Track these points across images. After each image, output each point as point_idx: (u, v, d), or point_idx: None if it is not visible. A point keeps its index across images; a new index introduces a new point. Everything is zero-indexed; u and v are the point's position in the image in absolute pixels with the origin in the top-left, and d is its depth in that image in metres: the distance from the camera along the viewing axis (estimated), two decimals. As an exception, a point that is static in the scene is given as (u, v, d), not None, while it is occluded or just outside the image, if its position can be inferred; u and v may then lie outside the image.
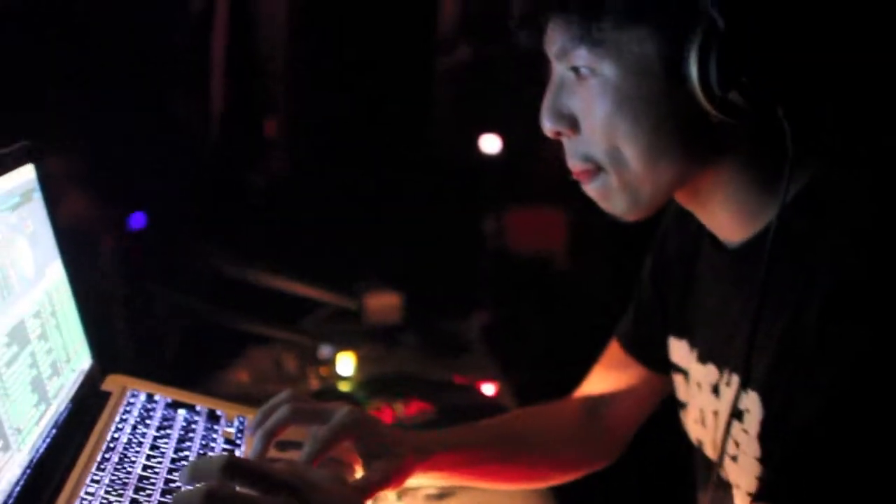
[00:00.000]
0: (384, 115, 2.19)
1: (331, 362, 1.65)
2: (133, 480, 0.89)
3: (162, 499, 0.87)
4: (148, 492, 0.88)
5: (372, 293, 1.93)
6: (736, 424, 0.84)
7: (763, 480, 0.81)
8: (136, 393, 1.05)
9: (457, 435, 1.08)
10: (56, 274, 1.01)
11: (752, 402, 0.83)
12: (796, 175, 0.79)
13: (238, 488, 0.72)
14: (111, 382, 1.06)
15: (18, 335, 0.88)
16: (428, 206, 2.17)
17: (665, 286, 1.06)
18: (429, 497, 1.21)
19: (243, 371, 1.68)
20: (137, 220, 2.06)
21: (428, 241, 2.08)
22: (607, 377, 1.18)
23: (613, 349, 1.17)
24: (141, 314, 1.69)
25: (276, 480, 0.73)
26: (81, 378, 1.01)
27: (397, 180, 2.14)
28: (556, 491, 1.20)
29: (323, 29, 2.24)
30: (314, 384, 1.58)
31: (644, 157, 0.80)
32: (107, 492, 0.85)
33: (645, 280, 1.11)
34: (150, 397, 1.05)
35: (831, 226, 0.77)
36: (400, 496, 1.21)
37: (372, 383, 1.60)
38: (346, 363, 1.65)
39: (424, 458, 0.97)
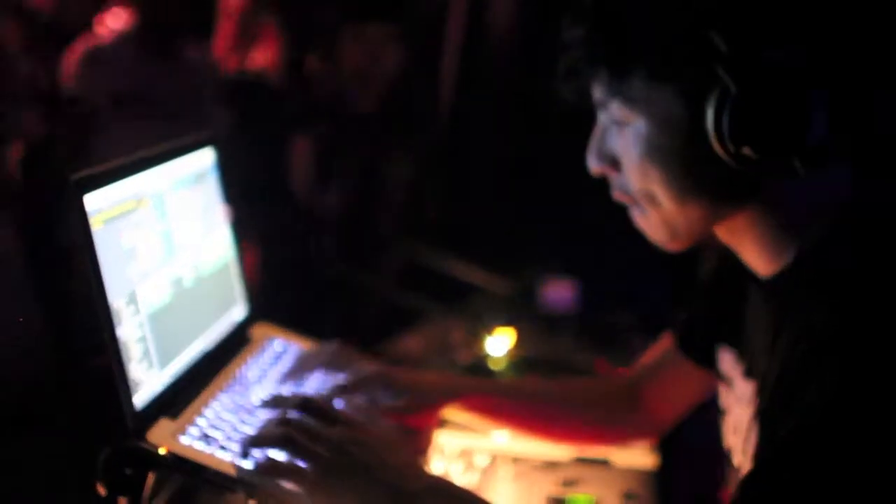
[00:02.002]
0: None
1: (488, 341, 1.82)
2: (247, 405, 1.13)
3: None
4: (256, 415, 1.11)
5: (550, 281, 2.08)
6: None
7: None
8: (273, 340, 1.30)
9: (492, 383, 1.25)
10: (222, 241, 1.28)
11: (754, 425, 0.90)
12: (824, 214, 0.86)
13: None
14: (258, 330, 1.31)
15: (177, 285, 1.14)
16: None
17: (723, 296, 1.12)
18: (536, 467, 1.35)
19: (416, 339, 1.91)
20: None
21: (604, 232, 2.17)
22: (654, 362, 1.28)
23: (666, 340, 1.27)
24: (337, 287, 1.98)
25: (342, 417, 0.95)
26: (232, 325, 1.27)
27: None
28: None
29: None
30: (466, 358, 1.77)
31: (673, 198, 0.90)
32: (224, 411, 1.10)
33: (705, 286, 1.19)
34: (284, 345, 1.30)
35: (835, 272, 0.84)
36: (516, 460, 1.36)
37: (519, 364, 1.75)
38: (501, 343, 1.81)
39: (454, 396, 1.17)
